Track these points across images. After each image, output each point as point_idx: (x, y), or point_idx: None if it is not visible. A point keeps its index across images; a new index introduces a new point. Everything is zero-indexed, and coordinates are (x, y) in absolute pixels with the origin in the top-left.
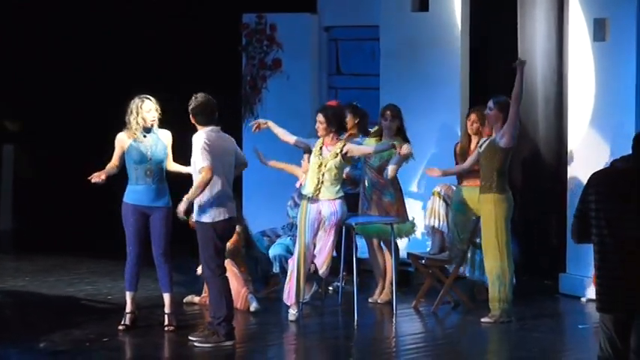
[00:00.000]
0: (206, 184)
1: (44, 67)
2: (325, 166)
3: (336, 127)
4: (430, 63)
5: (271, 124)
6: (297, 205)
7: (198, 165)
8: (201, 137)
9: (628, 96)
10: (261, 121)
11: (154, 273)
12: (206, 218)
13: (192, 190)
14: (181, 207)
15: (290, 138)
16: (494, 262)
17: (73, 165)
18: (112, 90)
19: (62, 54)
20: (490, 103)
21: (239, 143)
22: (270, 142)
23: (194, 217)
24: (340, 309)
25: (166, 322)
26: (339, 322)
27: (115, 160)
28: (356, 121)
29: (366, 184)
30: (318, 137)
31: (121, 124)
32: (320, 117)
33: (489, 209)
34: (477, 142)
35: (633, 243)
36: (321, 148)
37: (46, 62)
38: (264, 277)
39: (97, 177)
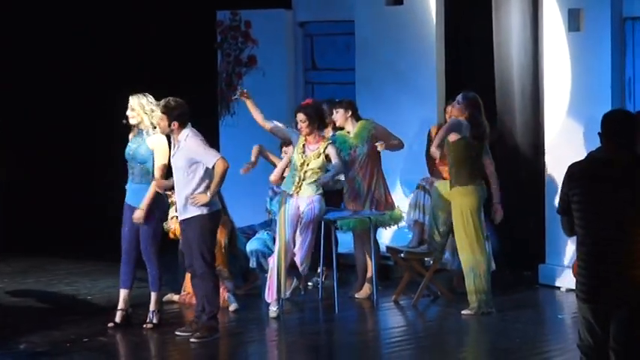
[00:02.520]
0: (225, 173)
1: (16, 68)
2: (308, 164)
3: (318, 122)
4: (405, 56)
5: (250, 102)
6: (276, 194)
7: (211, 160)
8: (191, 137)
9: (603, 85)
10: (245, 91)
11: (139, 273)
12: (204, 210)
13: (214, 186)
14: (203, 200)
15: (266, 123)
16: (467, 255)
17: (48, 165)
18: (87, 89)
19: (34, 54)
20: (459, 97)
21: (215, 141)
22: (247, 137)
23: (188, 213)
24: (320, 304)
25: (147, 320)
26: (319, 317)
27: None
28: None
29: (356, 180)
30: (299, 134)
31: (96, 123)
32: (301, 116)
33: (457, 202)
34: None
35: (618, 234)
36: (303, 145)
37: (17, 63)
38: (243, 273)
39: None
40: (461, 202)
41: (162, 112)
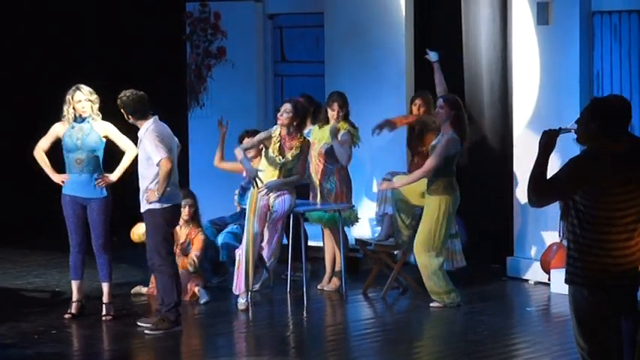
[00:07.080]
0: (169, 174)
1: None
2: (287, 166)
3: (299, 121)
4: (375, 49)
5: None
6: (244, 193)
7: (156, 158)
8: (150, 130)
9: (572, 79)
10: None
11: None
12: (155, 205)
13: (159, 186)
14: (152, 198)
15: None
16: (428, 259)
17: (12, 155)
18: (52, 80)
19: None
20: (440, 102)
21: (185, 133)
22: (216, 129)
23: (142, 206)
24: (290, 296)
25: (104, 312)
26: (288, 310)
27: (43, 143)
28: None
29: (311, 172)
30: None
31: (60, 113)
32: (288, 106)
33: (433, 209)
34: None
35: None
36: (279, 143)
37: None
38: (213, 266)
39: (60, 178)
40: (438, 209)
41: (120, 107)
